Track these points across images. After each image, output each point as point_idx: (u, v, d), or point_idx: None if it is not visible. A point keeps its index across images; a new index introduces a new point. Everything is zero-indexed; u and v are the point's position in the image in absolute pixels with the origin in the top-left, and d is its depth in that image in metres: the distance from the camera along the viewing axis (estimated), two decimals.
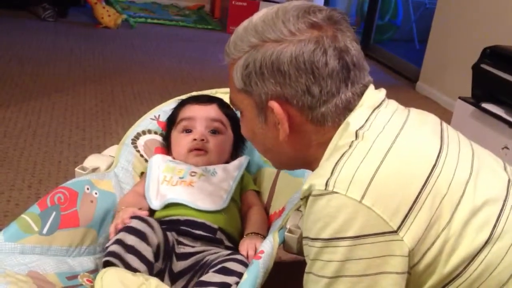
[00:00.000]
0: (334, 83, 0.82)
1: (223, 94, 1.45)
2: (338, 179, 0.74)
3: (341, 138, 0.82)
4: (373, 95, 0.86)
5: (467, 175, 0.80)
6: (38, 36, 3.51)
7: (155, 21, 4.42)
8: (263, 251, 1.00)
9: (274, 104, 0.83)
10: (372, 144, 0.78)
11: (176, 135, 1.33)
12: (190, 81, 3.07)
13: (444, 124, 0.90)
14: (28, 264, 0.95)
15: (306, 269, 0.80)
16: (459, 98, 2.26)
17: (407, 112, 0.88)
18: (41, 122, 2.22)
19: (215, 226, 1.16)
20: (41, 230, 1.02)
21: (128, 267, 0.98)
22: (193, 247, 1.12)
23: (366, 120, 0.82)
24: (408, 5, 4.96)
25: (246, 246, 1.11)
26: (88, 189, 1.14)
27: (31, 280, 0.92)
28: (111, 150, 1.34)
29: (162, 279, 1.05)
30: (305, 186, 0.79)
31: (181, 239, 1.13)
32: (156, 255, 1.04)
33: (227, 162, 1.32)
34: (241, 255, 1.09)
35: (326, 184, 0.75)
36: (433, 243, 0.75)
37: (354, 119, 0.82)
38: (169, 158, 1.30)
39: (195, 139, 1.28)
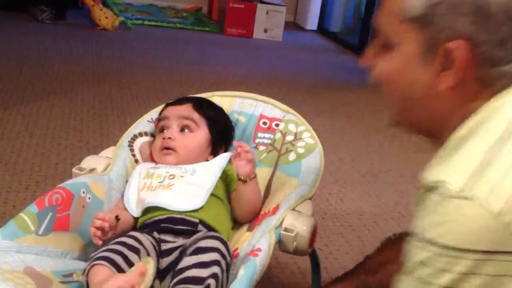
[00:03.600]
0: None
1: (220, 97, 1.45)
2: (478, 186, 0.65)
3: (491, 118, 0.71)
4: None
5: None
6: (36, 38, 3.52)
7: (153, 23, 4.43)
8: (260, 248, 0.99)
9: (461, 45, 0.70)
10: None
11: (156, 137, 1.35)
12: (188, 83, 3.08)
13: None
14: (25, 261, 0.96)
15: (405, 270, 0.73)
16: None
17: None
18: (39, 124, 2.22)
19: (196, 220, 1.16)
20: (37, 230, 1.02)
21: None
22: (175, 242, 1.13)
23: None
24: None
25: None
26: (83, 192, 1.14)
27: (28, 276, 0.92)
28: (108, 152, 1.34)
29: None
30: (432, 178, 0.69)
31: (162, 236, 1.13)
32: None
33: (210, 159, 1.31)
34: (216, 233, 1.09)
35: (463, 188, 0.66)
36: None
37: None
38: (152, 164, 1.30)
39: (164, 138, 1.29)
